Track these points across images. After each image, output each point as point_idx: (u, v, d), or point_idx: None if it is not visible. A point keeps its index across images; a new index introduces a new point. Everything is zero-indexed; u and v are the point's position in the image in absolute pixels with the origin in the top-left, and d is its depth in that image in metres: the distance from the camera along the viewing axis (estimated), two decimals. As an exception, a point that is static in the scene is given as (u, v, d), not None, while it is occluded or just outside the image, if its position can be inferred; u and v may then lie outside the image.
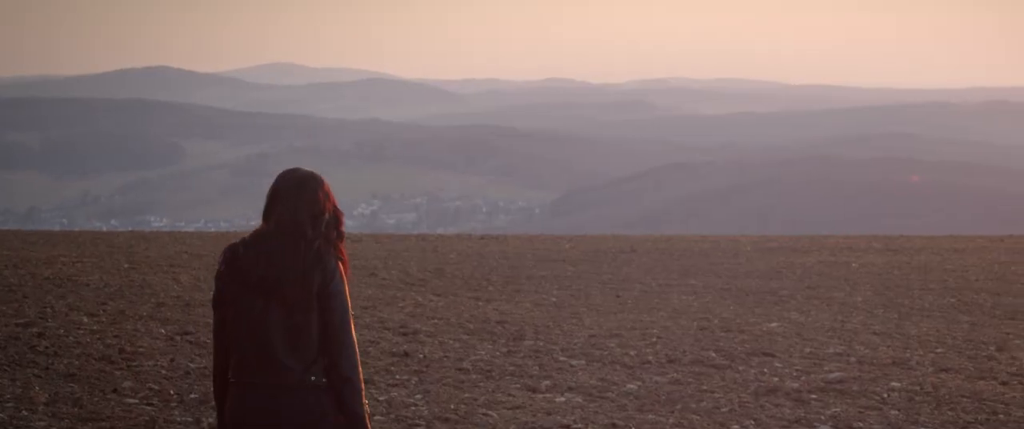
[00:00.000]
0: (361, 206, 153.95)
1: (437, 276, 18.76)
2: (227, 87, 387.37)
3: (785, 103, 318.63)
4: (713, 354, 12.40)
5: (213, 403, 5.22)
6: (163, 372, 10.89)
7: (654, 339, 13.21)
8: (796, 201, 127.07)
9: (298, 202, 5.10)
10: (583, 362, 11.88)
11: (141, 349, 11.81)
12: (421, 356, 11.97)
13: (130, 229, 54.14)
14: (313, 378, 5.05)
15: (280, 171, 5.27)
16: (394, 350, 12.20)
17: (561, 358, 12.05)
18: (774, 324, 14.53)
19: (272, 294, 5.03)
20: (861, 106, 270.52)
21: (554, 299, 16.58)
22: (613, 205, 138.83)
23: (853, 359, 12.33)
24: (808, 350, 12.78)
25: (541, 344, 12.74)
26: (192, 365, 11.17)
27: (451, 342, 12.80)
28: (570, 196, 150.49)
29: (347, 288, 5.13)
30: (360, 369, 5.11)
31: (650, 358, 12.10)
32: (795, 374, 11.54)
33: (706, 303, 16.46)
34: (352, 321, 5.15)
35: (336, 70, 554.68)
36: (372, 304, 15.38)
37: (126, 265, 18.96)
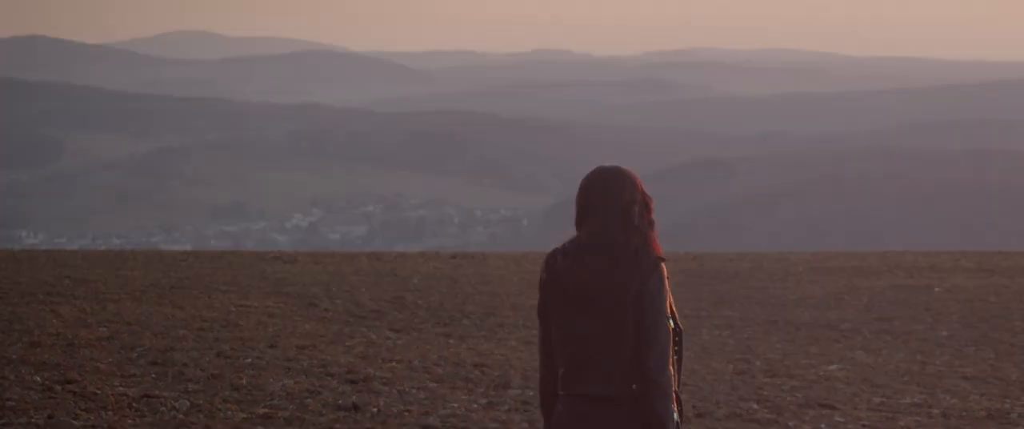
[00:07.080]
0: (296, 217, 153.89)
1: (396, 307, 18.75)
2: (120, 62, 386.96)
3: (845, 81, 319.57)
4: (755, 406, 12.40)
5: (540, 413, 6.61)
6: (38, 433, 10.85)
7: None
8: (860, 207, 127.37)
9: (607, 207, 6.29)
10: (586, 417, 11.87)
11: (10, 403, 11.77)
12: (375, 410, 11.95)
13: (-6, 247, 53.94)
14: (635, 387, 6.19)
15: (587, 173, 6.33)
16: (340, 402, 12.18)
17: (558, 412, 12.03)
18: (834, 367, 14.54)
19: (589, 306, 6.22)
20: (943, 84, 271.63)
21: (548, 335, 16.54)
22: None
23: (936, 411, 12.34)
24: (878, 400, 12.79)
25: (531, 394, 12.73)
26: (76, 422, 11.13)
27: (414, 392, 12.78)
28: (568, 203, 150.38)
29: (668, 285, 6.25)
30: (671, 371, 6.19)
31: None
32: (862, 431, 11.55)
33: (745, 340, 16.46)
34: (671, 321, 6.23)
35: (262, 40, 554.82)
36: (311, 343, 15.35)
37: (-11, 294, 18.85)
